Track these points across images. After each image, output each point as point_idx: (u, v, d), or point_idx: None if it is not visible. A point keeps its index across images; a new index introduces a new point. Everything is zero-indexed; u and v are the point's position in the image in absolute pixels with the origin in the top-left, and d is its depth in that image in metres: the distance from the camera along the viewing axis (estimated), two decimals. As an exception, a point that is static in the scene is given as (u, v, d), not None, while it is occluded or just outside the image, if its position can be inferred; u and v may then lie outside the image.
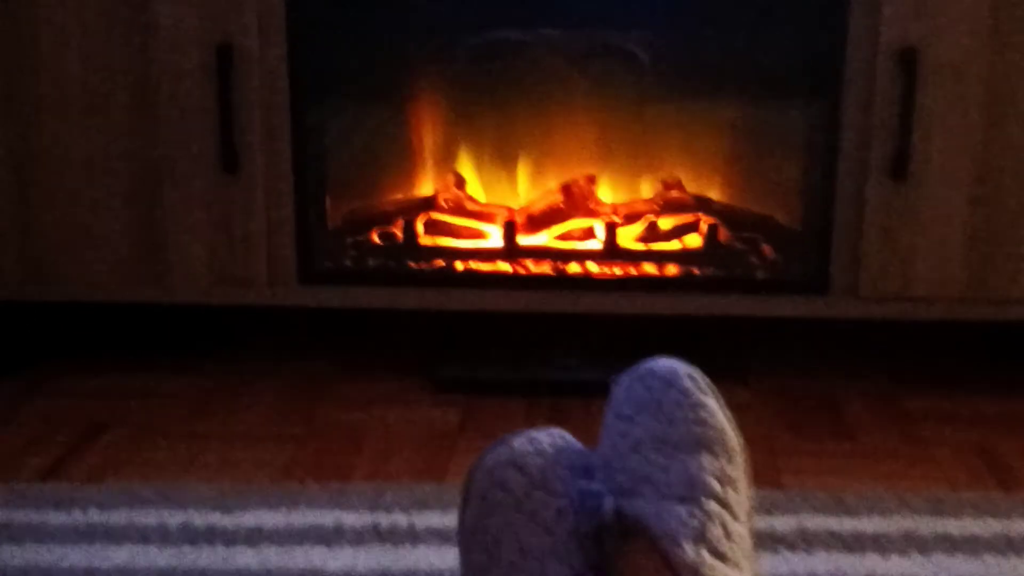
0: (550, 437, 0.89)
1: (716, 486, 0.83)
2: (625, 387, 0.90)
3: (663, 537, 0.80)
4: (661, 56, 1.60)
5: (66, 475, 1.32)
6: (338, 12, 1.53)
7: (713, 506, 0.82)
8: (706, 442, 0.85)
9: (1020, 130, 1.45)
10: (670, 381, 0.88)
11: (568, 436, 0.90)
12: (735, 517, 0.83)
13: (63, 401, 1.53)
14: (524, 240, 1.61)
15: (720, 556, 0.80)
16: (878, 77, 1.45)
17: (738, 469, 0.86)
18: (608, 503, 0.83)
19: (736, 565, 0.81)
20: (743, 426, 0.91)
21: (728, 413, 0.89)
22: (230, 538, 1.16)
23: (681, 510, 0.81)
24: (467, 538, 0.87)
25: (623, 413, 0.88)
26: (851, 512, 1.21)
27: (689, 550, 0.79)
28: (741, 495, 0.85)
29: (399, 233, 1.61)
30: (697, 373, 0.89)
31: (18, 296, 1.57)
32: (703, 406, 0.87)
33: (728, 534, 0.81)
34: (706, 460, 0.85)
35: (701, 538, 0.80)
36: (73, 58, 1.48)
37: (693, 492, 0.83)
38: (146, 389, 1.57)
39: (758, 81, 1.57)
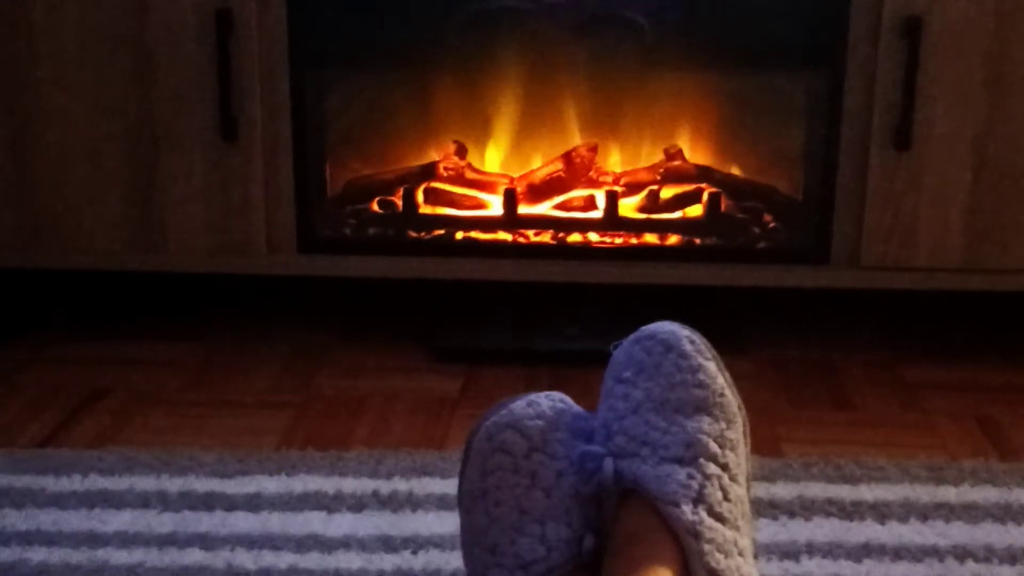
0: (550, 400, 0.89)
1: (715, 448, 0.84)
2: (625, 351, 0.90)
3: (662, 498, 0.80)
4: (662, 24, 1.59)
5: (66, 441, 1.32)
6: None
7: (712, 468, 0.82)
8: (705, 405, 0.85)
9: (1022, 99, 1.44)
10: (670, 344, 0.88)
11: (568, 399, 0.91)
12: (734, 479, 0.83)
13: (62, 368, 1.53)
14: (524, 209, 1.60)
15: (718, 517, 0.80)
16: (881, 46, 1.44)
17: (737, 432, 0.86)
18: (607, 465, 0.83)
19: (734, 526, 0.81)
20: (742, 395, 0.91)
21: (728, 377, 0.89)
22: (230, 504, 1.16)
23: (680, 472, 0.82)
24: (467, 500, 0.88)
25: (623, 376, 0.88)
26: (850, 480, 1.21)
27: (688, 511, 0.79)
28: (740, 458, 0.85)
29: (399, 202, 1.61)
30: (697, 336, 0.89)
31: (16, 263, 1.57)
32: (703, 369, 0.87)
33: (727, 496, 0.82)
34: (705, 423, 0.85)
35: (700, 499, 0.80)
36: (70, 24, 1.47)
37: (692, 454, 0.83)
38: (145, 356, 1.57)
39: (760, 50, 1.56)
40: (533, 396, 0.89)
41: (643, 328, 0.91)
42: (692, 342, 0.88)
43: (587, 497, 0.84)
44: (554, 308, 1.65)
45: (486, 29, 1.61)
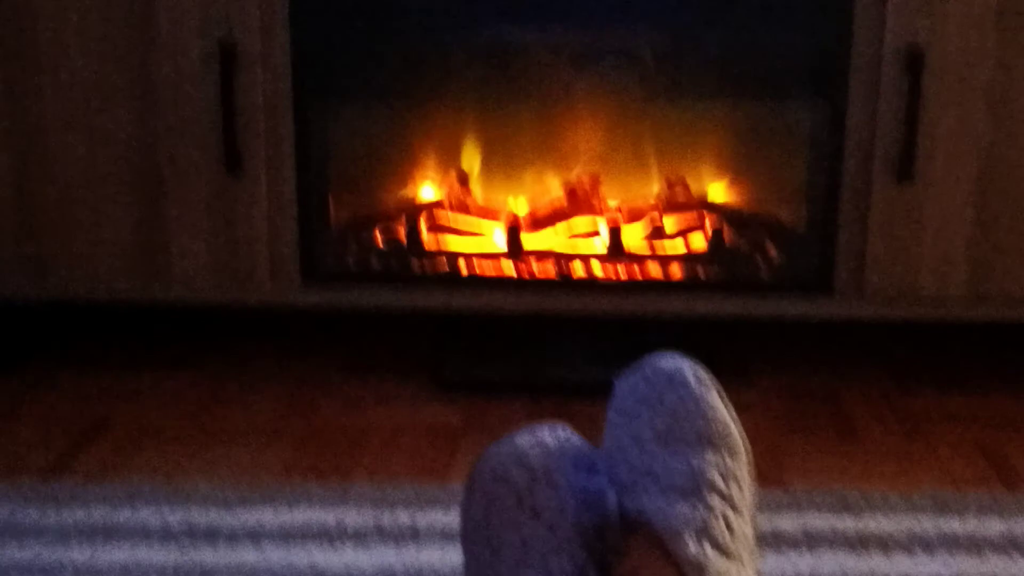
0: (553, 433, 0.89)
1: (719, 481, 0.83)
2: (628, 383, 0.90)
3: (666, 532, 0.80)
4: (665, 55, 1.59)
5: (68, 473, 1.32)
6: (341, 10, 1.53)
7: (716, 501, 0.82)
8: (709, 437, 0.85)
9: (1024, 130, 1.45)
10: (673, 377, 0.88)
11: (571, 432, 0.90)
12: (738, 512, 0.83)
13: (65, 399, 1.53)
14: (528, 240, 1.60)
15: (723, 550, 0.80)
16: (883, 77, 1.45)
17: (741, 465, 0.86)
18: (611, 498, 0.83)
19: (738, 559, 0.80)
20: (746, 426, 0.90)
21: (731, 409, 0.89)
22: (232, 536, 1.15)
23: (684, 505, 0.81)
24: (470, 533, 0.87)
25: (626, 408, 0.88)
26: (855, 511, 1.20)
27: (692, 545, 0.79)
28: (744, 490, 0.85)
29: (402, 233, 1.61)
30: (700, 369, 0.89)
31: (20, 294, 1.57)
32: (706, 401, 0.87)
33: (731, 529, 0.81)
34: (709, 455, 0.84)
35: (704, 533, 0.80)
36: (74, 56, 1.48)
37: (696, 487, 0.82)
38: (148, 387, 1.57)
39: (762, 81, 1.56)
40: (536, 429, 0.89)
41: (646, 360, 0.90)
42: (695, 374, 0.88)
43: (591, 530, 0.83)
44: (557, 339, 1.65)
45: (489, 61, 1.61)
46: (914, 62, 1.43)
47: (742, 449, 0.87)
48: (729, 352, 1.67)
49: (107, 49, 1.48)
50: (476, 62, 1.61)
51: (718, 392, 0.88)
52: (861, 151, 1.48)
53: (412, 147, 1.67)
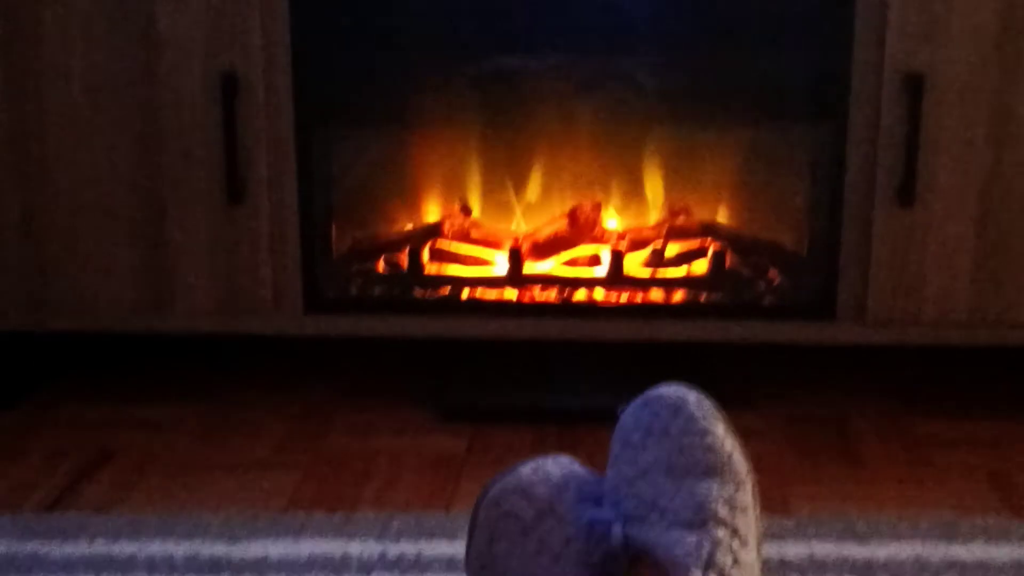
0: (558, 464, 0.88)
1: (725, 513, 0.83)
2: (633, 414, 0.90)
3: (672, 564, 0.80)
4: (666, 81, 1.60)
5: (72, 505, 1.32)
6: (343, 39, 1.54)
7: (722, 533, 0.82)
8: (714, 468, 0.85)
9: (1026, 154, 1.45)
10: (678, 407, 0.88)
11: (576, 463, 0.90)
12: (744, 544, 0.83)
13: (68, 431, 1.53)
14: (530, 267, 1.61)
15: (730, 583, 0.80)
16: (884, 102, 1.45)
17: (747, 496, 0.86)
18: (616, 530, 0.83)
19: (746, 592, 0.80)
20: (751, 452, 0.90)
21: (736, 439, 0.88)
22: (237, 568, 1.15)
23: (690, 537, 0.81)
24: (475, 566, 0.87)
25: (631, 440, 0.88)
26: (861, 538, 1.20)
27: (698, 577, 0.79)
28: (750, 522, 0.85)
29: (404, 261, 1.61)
30: (705, 399, 0.89)
31: (23, 326, 1.57)
32: (711, 432, 0.87)
33: (737, 561, 0.81)
34: (715, 487, 0.84)
35: (710, 565, 0.80)
36: (76, 89, 1.49)
37: (702, 519, 0.82)
38: (151, 418, 1.57)
39: (763, 106, 1.57)
40: (540, 460, 0.88)
41: (650, 391, 0.90)
42: (700, 405, 0.88)
43: (596, 562, 0.83)
44: (560, 366, 1.64)
45: (491, 88, 1.62)
46: (915, 87, 1.43)
47: (748, 480, 0.87)
48: (732, 377, 1.67)
49: (110, 79, 1.48)
50: (478, 89, 1.61)
51: (723, 422, 0.88)
52: (863, 176, 1.48)
53: (414, 175, 1.67)
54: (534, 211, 1.66)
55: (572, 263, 1.62)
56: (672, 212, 1.64)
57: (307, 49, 1.49)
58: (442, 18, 1.54)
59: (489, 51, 1.59)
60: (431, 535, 1.21)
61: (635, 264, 1.61)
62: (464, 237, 1.64)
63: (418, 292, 1.60)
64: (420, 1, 1.52)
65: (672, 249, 1.61)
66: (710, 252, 1.59)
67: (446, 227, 1.64)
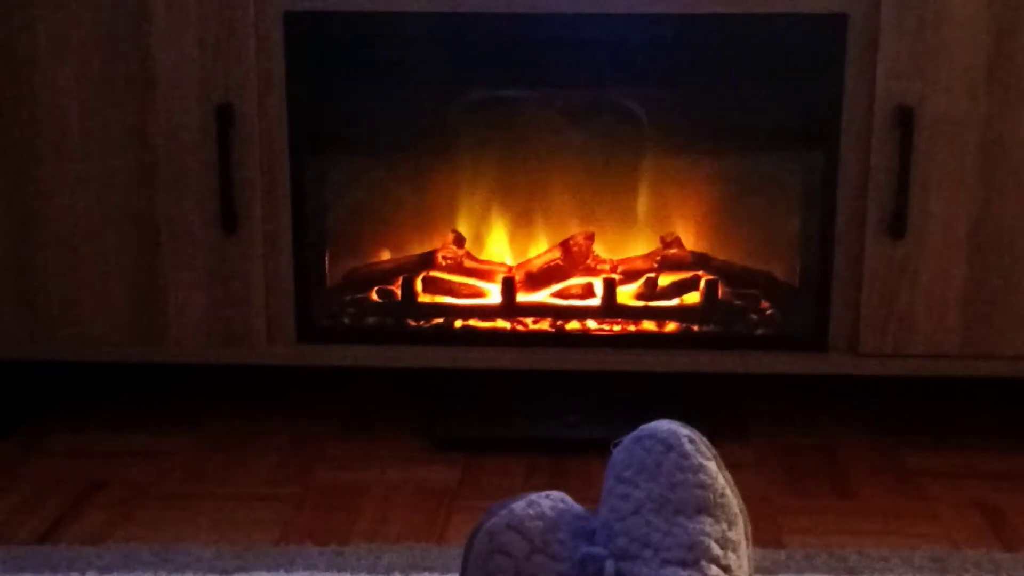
0: (550, 500, 0.89)
1: (717, 550, 0.83)
2: (625, 450, 0.90)
3: (665, 603, 0.80)
4: (659, 113, 1.61)
5: (65, 536, 1.32)
6: (337, 72, 1.55)
7: (714, 570, 0.82)
8: (707, 506, 0.85)
9: (1016, 187, 1.46)
10: (670, 444, 0.88)
11: (568, 499, 0.90)
12: (737, 581, 0.83)
13: (60, 460, 1.53)
14: (523, 297, 1.61)
15: (722, 621, 0.80)
16: (875, 135, 1.46)
17: (739, 532, 0.86)
18: (609, 567, 0.83)
19: (738, 630, 0.80)
20: (743, 484, 0.90)
21: (728, 476, 0.89)
22: (228, 601, 1.15)
23: (682, 574, 0.81)
24: (468, 603, 0.87)
25: (623, 476, 0.88)
26: (853, 571, 1.20)
27: (691, 616, 0.79)
28: (742, 559, 0.85)
29: (398, 291, 1.61)
30: (697, 436, 0.89)
31: (16, 354, 1.57)
32: (703, 469, 0.87)
33: (729, 598, 0.81)
34: (707, 524, 0.84)
35: (703, 603, 0.80)
36: (72, 119, 1.49)
37: (694, 556, 0.82)
38: (144, 448, 1.56)
39: (755, 138, 1.58)
40: (534, 496, 0.89)
41: (643, 427, 0.91)
42: (692, 441, 0.88)
43: (589, 600, 0.83)
44: (553, 396, 1.65)
45: (484, 117, 1.63)
46: (905, 120, 1.44)
47: (740, 518, 0.87)
48: (724, 408, 1.67)
49: (106, 109, 1.49)
50: (472, 120, 1.62)
51: (715, 459, 0.89)
52: (854, 208, 1.49)
53: (408, 205, 1.68)
54: (527, 241, 1.67)
55: (565, 293, 1.62)
56: (665, 243, 1.65)
57: (301, 81, 1.50)
58: (435, 50, 1.55)
59: (483, 82, 1.60)
60: (423, 568, 1.21)
61: (628, 295, 1.61)
62: (457, 267, 1.64)
63: (411, 322, 1.60)
64: (413, 33, 1.53)
65: (665, 280, 1.62)
66: (702, 283, 1.60)
67: (439, 257, 1.65)
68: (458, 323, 1.60)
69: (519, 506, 0.88)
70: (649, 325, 1.59)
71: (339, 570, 1.21)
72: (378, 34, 1.54)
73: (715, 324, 1.58)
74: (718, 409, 1.65)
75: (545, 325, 1.59)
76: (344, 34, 1.53)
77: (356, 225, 1.67)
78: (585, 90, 1.62)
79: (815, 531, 1.33)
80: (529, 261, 1.65)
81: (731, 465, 0.90)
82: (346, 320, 1.60)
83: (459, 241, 1.65)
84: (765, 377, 1.57)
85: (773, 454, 1.55)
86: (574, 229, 1.64)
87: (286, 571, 1.20)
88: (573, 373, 1.58)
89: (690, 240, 1.65)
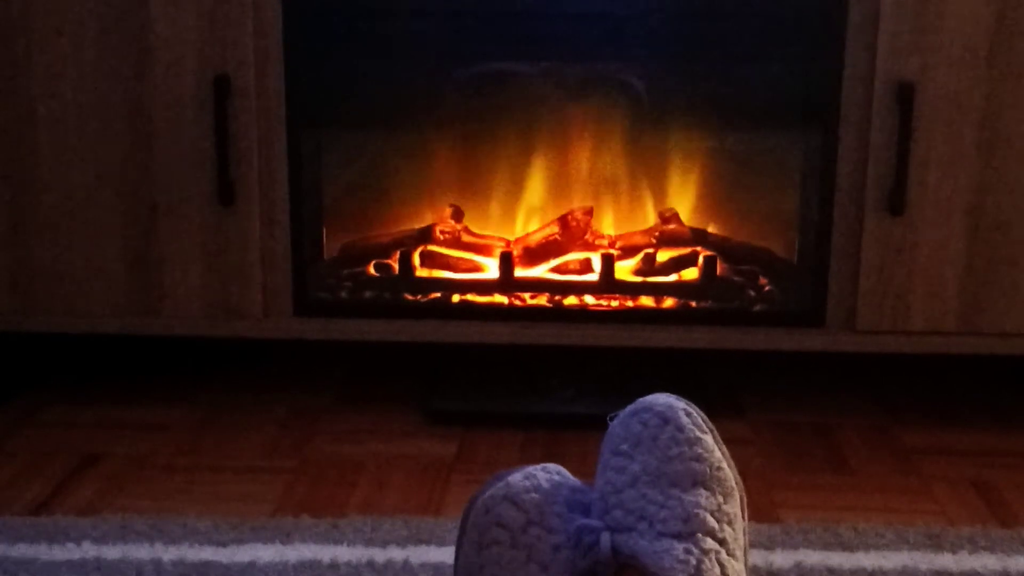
0: (546, 473, 0.89)
1: (712, 523, 0.83)
2: (622, 423, 0.90)
3: (659, 574, 0.80)
4: (658, 88, 1.60)
5: (59, 508, 1.32)
6: (335, 44, 1.54)
7: (709, 543, 0.82)
8: (702, 479, 0.85)
9: (1016, 165, 1.45)
10: (667, 417, 0.88)
11: (564, 472, 0.90)
12: (731, 554, 0.83)
13: (55, 433, 1.53)
14: (520, 272, 1.61)
15: (717, 594, 0.80)
16: (874, 111, 1.45)
17: (735, 506, 0.86)
18: (604, 539, 0.83)
19: (733, 603, 0.80)
20: (739, 460, 0.90)
21: (724, 450, 0.89)
22: (224, 573, 1.15)
23: (677, 547, 0.81)
24: (464, 574, 0.87)
25: (620, 449, 0.88)
26: (848, 547, 1.20)
27: (686, 588, 0.79)
28: (737, 532, 0.85)
29: (395, 265, 1.61)
30: (694, 409, 0.89)
31: (11, 326, 1.57)
32: (700, 442, 0.87)
33: (724, 571, 0.81)
34: (702, 497, 0.84)
35: (697, 575, 0.80)
36: (68, 90, 1.49)
37: (689, 529, 0.82)
38: (140, 421, 1.56)
39: (755, 113, 1.57)
40: (530, 469, 0.89)
41: (640, 400, 0.90)
42: (689, 415, 0.88)
43: (584, 571, 0.83)
44: (550, 371, 1.64)
45: (483, 91, 1.62)
46: (905, 97, 1.43)
47: (736, 491, 0.87)
48: (721, 384, 1.67)
49: (102, 82, 1.48)
50: (469, 93, 1.62)
51: (712, 432, 0.89)
52: (853, 184, 1.48)
53: (405, 179, 1.67)
54: (525, 216, 1.67)
55: (563, 268, 1.62)
56: (663, 219, 1.64)
57: (299, 53, 1.49)
58: (432, 23, 1.54)
59: (481, 55, 1.60)
60: (419, 541, 1.21)
61: (626, 270, 1.61)
62: (455, 241, 1.64)
63: (408, 296, 1.60)
64: (412, 5, 1.52)
65: (663, 256, 1.61)
66: (701, 259, 1.60)
67: (437, 231, 1.64)
68: (455, 297, 1.59)
69: (515, 478, 0.88)
70: (647, 301, 1.59)
71: (335, 543, 1.21)
72: (377, 6, 1.53)
73: (713, 300, 1.58)
74: (715, 385, 1.65)
75: (543, 300, 1.59)
76: (342, 5, 1.52)
77: (353, 198, 1.66)
78: (584, 64, 1.61)
79: (811, 506, 1.33)
80: (527, 236, 1.64)
81: (728, 440, 0.90)
82: (343, 294, 1.60)
83: (457, 215, 1.65)
84: (762, 353, 1.57)
85: (769, 430, 1.55)
86: (573, 204, 1.64)
87: (282, 543, 1.20)
88: (570, 348, 1.58)
89: (689, 216, 1.64)
